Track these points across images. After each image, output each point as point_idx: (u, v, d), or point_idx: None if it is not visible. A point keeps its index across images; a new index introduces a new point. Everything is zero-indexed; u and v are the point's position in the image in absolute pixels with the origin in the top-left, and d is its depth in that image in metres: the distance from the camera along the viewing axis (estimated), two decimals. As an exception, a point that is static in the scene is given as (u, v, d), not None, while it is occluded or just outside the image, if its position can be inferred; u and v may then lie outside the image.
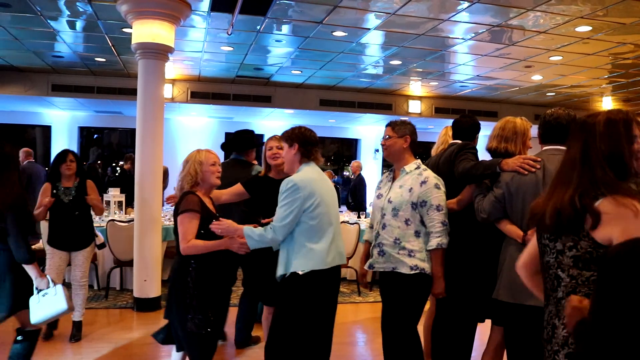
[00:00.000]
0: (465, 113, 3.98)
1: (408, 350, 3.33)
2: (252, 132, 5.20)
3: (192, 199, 3.19)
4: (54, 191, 4.75)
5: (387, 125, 3.48)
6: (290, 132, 3.28)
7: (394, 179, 3.45)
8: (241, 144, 5.00)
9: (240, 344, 4.78)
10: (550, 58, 8.00)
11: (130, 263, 6.16)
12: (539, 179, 2.83)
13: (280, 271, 3.17)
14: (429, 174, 3.32)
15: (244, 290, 4.73)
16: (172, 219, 3.37)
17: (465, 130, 3.77)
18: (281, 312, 3.17)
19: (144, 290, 5.90)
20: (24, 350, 3.56)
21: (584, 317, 1.56)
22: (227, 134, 12.94)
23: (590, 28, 6.43)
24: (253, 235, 3.09)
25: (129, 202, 8.16)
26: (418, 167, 3.37)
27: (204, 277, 3.15)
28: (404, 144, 3.37)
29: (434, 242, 3.23)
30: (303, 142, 3.22)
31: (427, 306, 3.65)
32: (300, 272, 3.06)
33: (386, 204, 3.36)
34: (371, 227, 3.61)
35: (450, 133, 4.01)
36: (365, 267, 3.52)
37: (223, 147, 5.37)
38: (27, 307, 3.44)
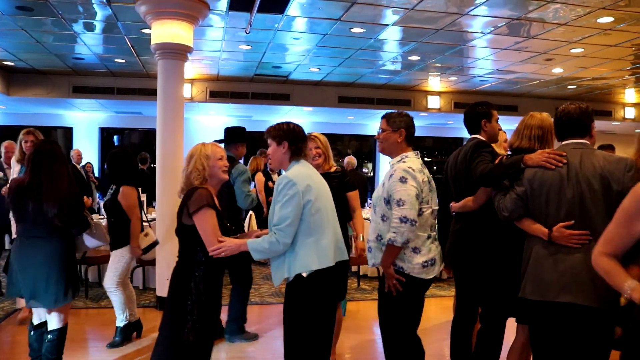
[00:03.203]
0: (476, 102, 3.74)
1: (402, 355, 3.22)
2: (242, 128, 5.15)
3: (204, 192, 2.95)
4: None
5: (382, 117, 3.33)
6: (278, 129, 3.04)
7: None
8: (228, 138, 4.99)
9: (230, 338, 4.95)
10: (571, 50, 7.89)
11: (152, 262, 6.21)
12: (563, 175, 2.71)
13: (280, 275, 2.96)
14: (400, 166, 3.10)
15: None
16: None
17: (470, 119, 3.59)
18: (288, 318, 3.01)
19: (166, 289, 5.91)
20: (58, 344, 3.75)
21: None
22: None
23: (612, 19, 6.33)
24: (259, 247, 2.90)
25: (149, 202, 8.23)
26: (401, 159, 3.18)
27: (210, 281, 3.01)
28: (398, 138, 3.22)
29: (387, 236, 3.04)
30: (293, 139, 3.02)
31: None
32: (305, 274, 2.89)
33: (373, 199, 3.29)
34: None
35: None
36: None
37: None
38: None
